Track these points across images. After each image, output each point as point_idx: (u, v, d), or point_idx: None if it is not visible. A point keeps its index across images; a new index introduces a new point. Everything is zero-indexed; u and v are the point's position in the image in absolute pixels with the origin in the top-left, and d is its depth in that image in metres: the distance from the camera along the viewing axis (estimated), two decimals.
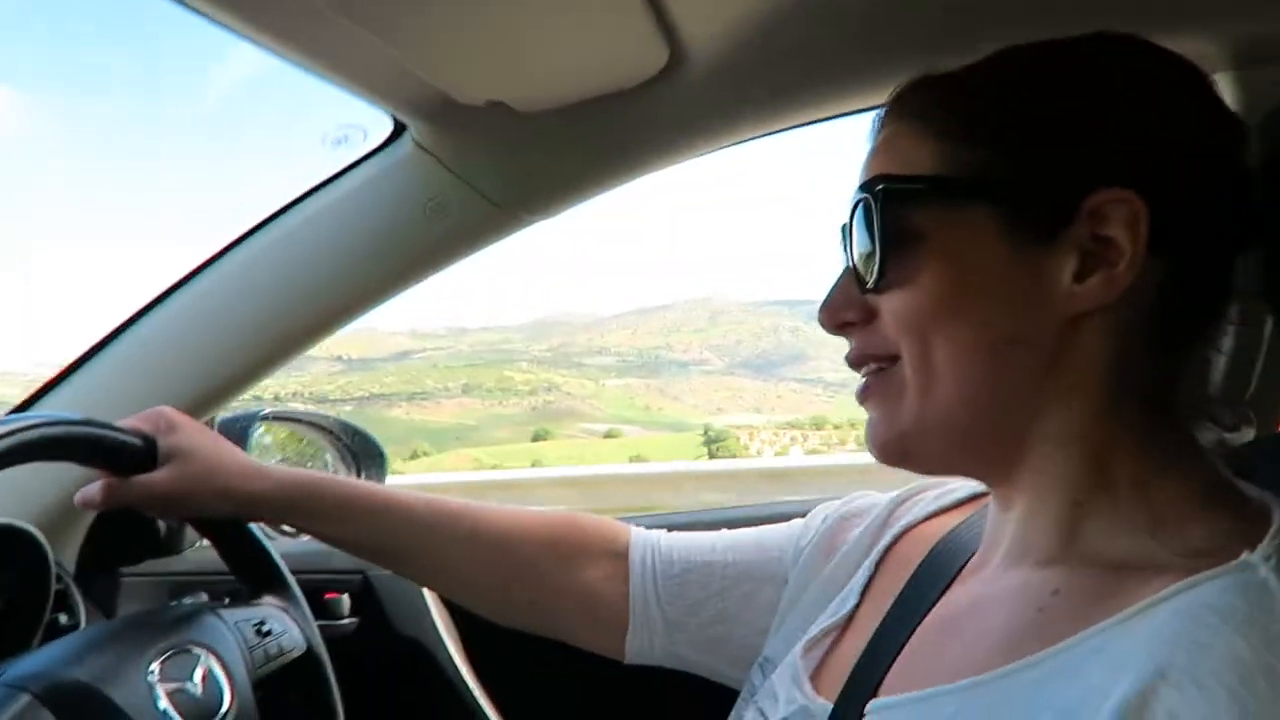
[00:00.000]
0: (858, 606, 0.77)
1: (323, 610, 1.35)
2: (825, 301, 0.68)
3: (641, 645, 0.91)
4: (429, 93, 1.00)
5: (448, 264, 1.20)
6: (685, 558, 0.91)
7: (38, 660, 0.78)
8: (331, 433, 1.48)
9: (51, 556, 1.12)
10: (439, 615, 1.38)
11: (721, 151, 1.16)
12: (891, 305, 0.63)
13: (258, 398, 1.33)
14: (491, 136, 1.09)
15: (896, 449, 0.66)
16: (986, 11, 0.91)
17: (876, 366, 0.66)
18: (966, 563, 0.72)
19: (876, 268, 0.63)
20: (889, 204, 0.62)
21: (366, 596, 1.38)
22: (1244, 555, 0.52)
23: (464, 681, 1.36)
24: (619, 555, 0.94)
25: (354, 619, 1.38)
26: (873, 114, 0.70)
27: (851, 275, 0.66)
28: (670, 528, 0.97)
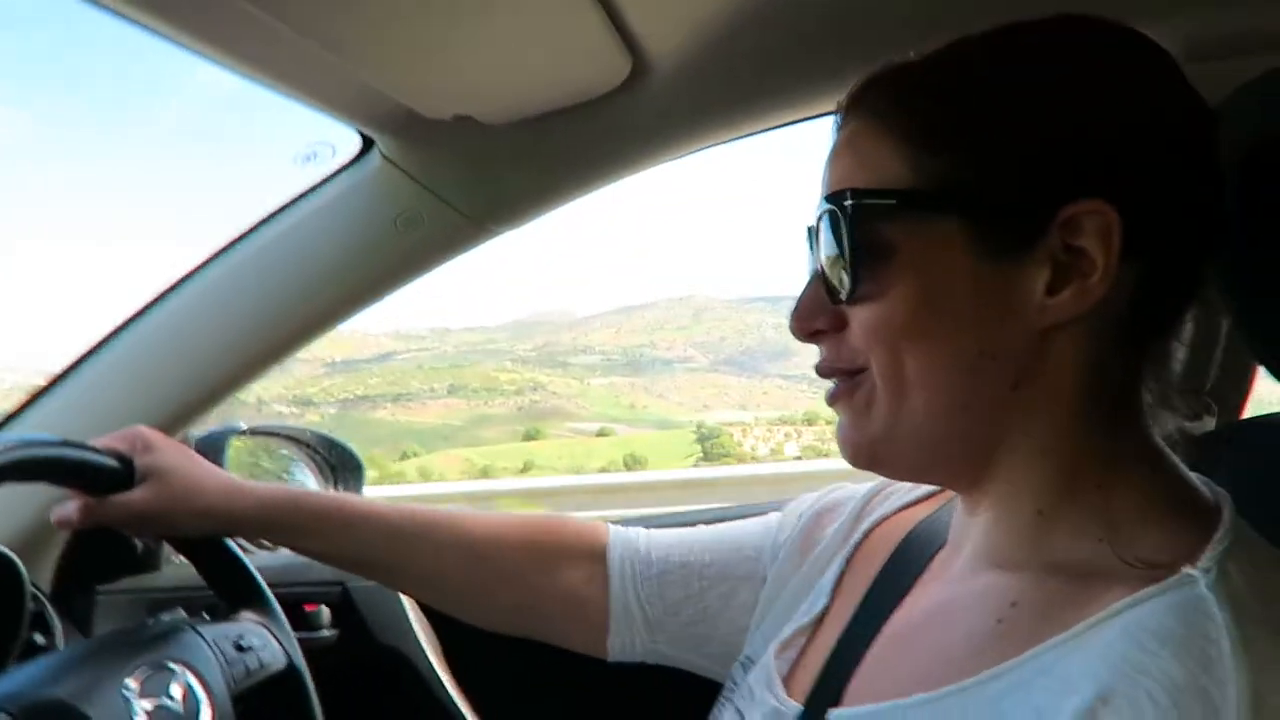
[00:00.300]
0: (829, 605, 0.77)
1: (302, 622, 1.34)
2: (795, 309, 0.67)
3: (624, 644, 0.92)
4: (395, 108, 1.01)
5: (419, 275, 1.20)
6: (664, 558, 0.92)
7: (14, 680, 0.78)
8: (309, 446, 1.48)
9: (27, 577, 1.12)
10: (419, 624, 1.38)
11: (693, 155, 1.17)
12: (862, 318, 0.63)
13: (242, 401, 1.32)
14: (459, 149, 1.10)
15: (866, 455, 0.66)
16: (941, 8, 0.92)
17: (844, 375, 0.66)
18: (933, 557, 0.73)
19: (848, 280, 0.62)
20: (859, 217, 0.61)
21: (346, 607, 1.38)
22: (1185, 570, 0.53)
23: (446, 690, 1.36)
24: (598, 557, 0.94)
25: (334, 630, 1.37)
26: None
27: (820, 282, 0.65)
28: (649, 526, 0.98)
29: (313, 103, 1.00)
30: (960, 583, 0.67)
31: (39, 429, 1.17)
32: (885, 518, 0.82)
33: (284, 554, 1.40)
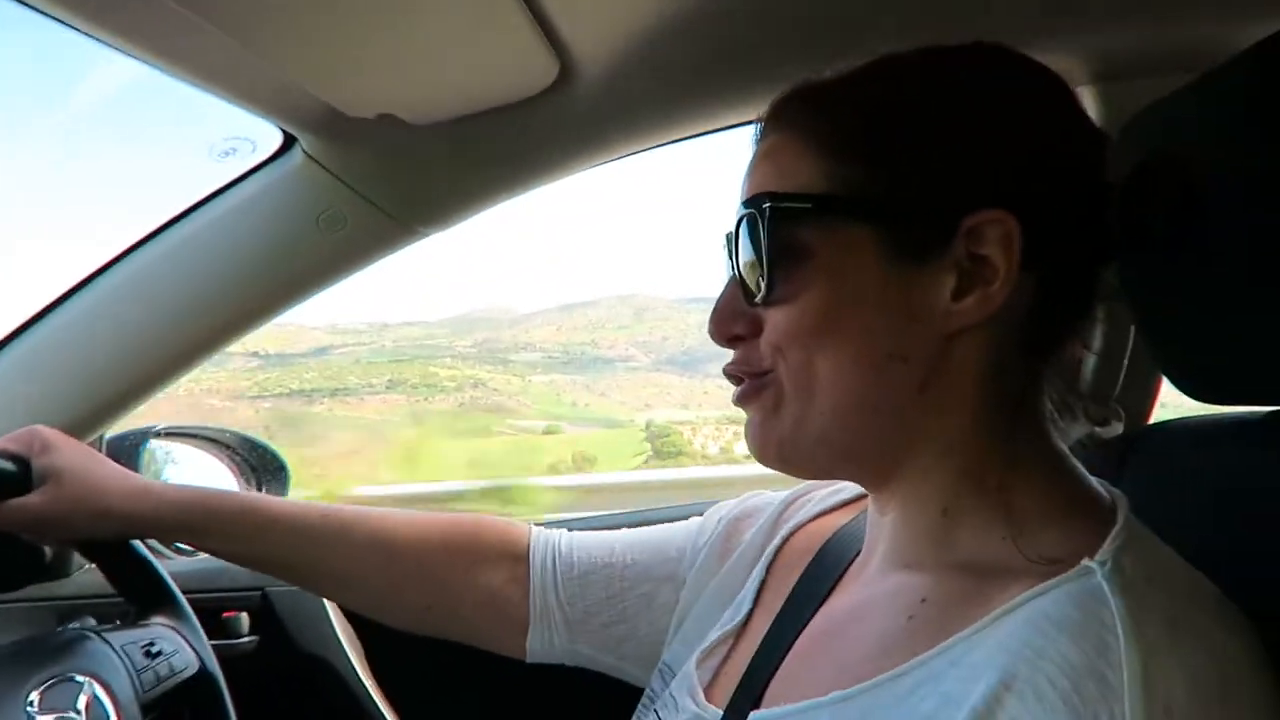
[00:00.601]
0: (751, 613, 0.78)
1: (221, 629, 1.31)
2: (714, 313, 0.69)
3: (542, 644, 0.92)
4: (317, 106, 0.99)
5: (343, 276, 1.18)
6: (586, 559, 0.92)
7: None
8: (230, 447, 1.45)
9: None
10: (342, 630, 1.36)
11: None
12: (776, 319, 0.64)
13: (171, 394, 1.28)
14: (384, 148, 1.08)
15: (775, 455, 0.67)
16: (862, 26, 0.94)
17: (751, 377, 0.68)
18: (852, 562, 0.74)
19: (764, 282, 0.64)
20: (775, 221, 0.63)
21: (266, 614, 1.35)
22: (1084, 561, 0.55)
23: (369, 696, 1.34)
24: (518, 557, 0.94)
25: (254, 637, 1.34)
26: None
27: (737, 285, 0.67)
28: (571, 528, 0.98)
29: (232, 98, 0.98)
30: (874, 584, 0.69)
31: None
32: (803, 524, 0.84)
33: (201, 560, 1.37)
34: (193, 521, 0.94)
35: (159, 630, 0.98)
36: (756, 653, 0.73)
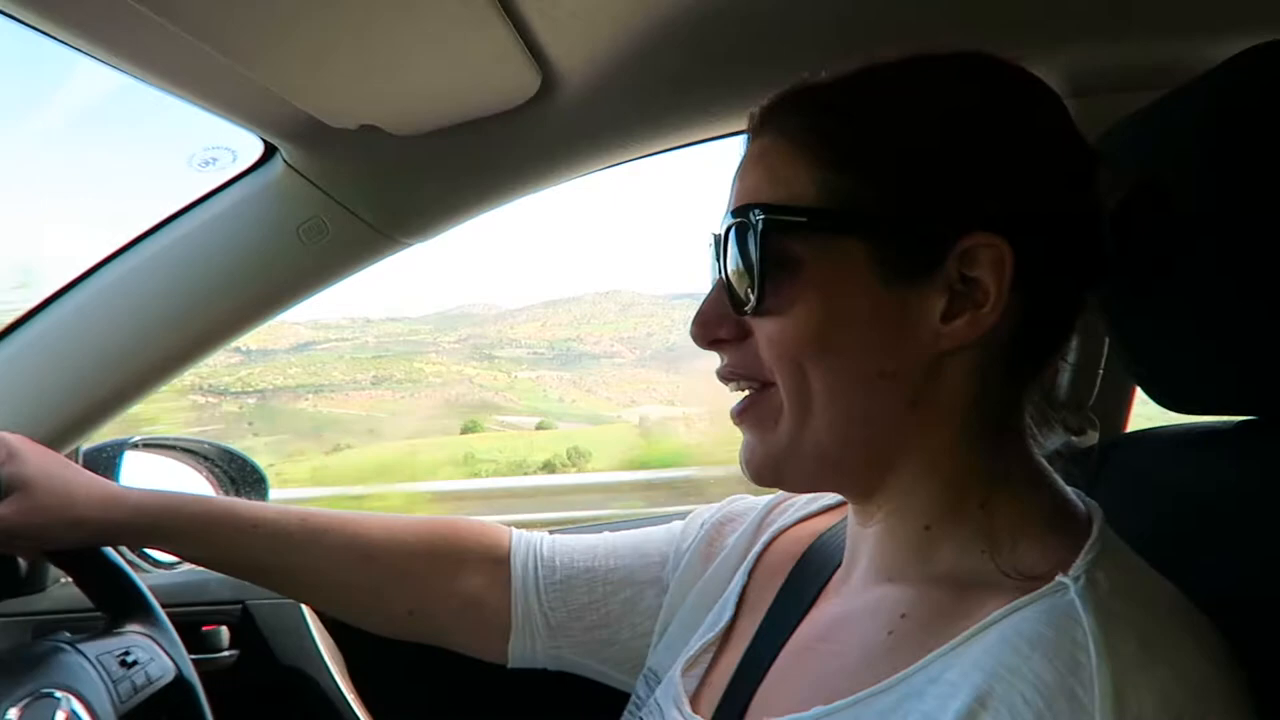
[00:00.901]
0: (734, 619, 0.79)
1: (201, 643, 1.30)
2: (698, 316, 0.68)
3: (524, 649, 0.92)
4: (298, 116, 0.99)
5: (324, 287, 1.18)
6: (568, 563, 0.92)
7: None
8: (208, 459, 1.44)
9: None
10: (323, 643, 1.35)
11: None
12: (766, 331, 0.64)
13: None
14: (365, 159, 1.08)
15: (770, 473, 0.67)
16: (841, 42, 0.95)
17: (753, 388, 0.67)
18: (834, 571, 0.75)
19: (754, 292, 0.63)
20: (768, 231, 0.62)
21: (246, 627, 1.34)
22: (1058, 578, 0.56)
23: (351, 709, 1.33)
24: (499, 561, 0.94)
25: (234, 651, 1.33)
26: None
27: (724, 291, 0.66)
28: (552, 532, 0.98)
29: (213, 109, 0.97)
30: (855, 597, 0.69)
31: None
32: (785, 529, 0.84)
33: (181, 573, 1.36)
34: (166, 526, 0.93)
35: (134, 639, 0.97)
36: (741, 662, 0.73)
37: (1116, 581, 0.56)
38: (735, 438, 0.70)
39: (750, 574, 0.82)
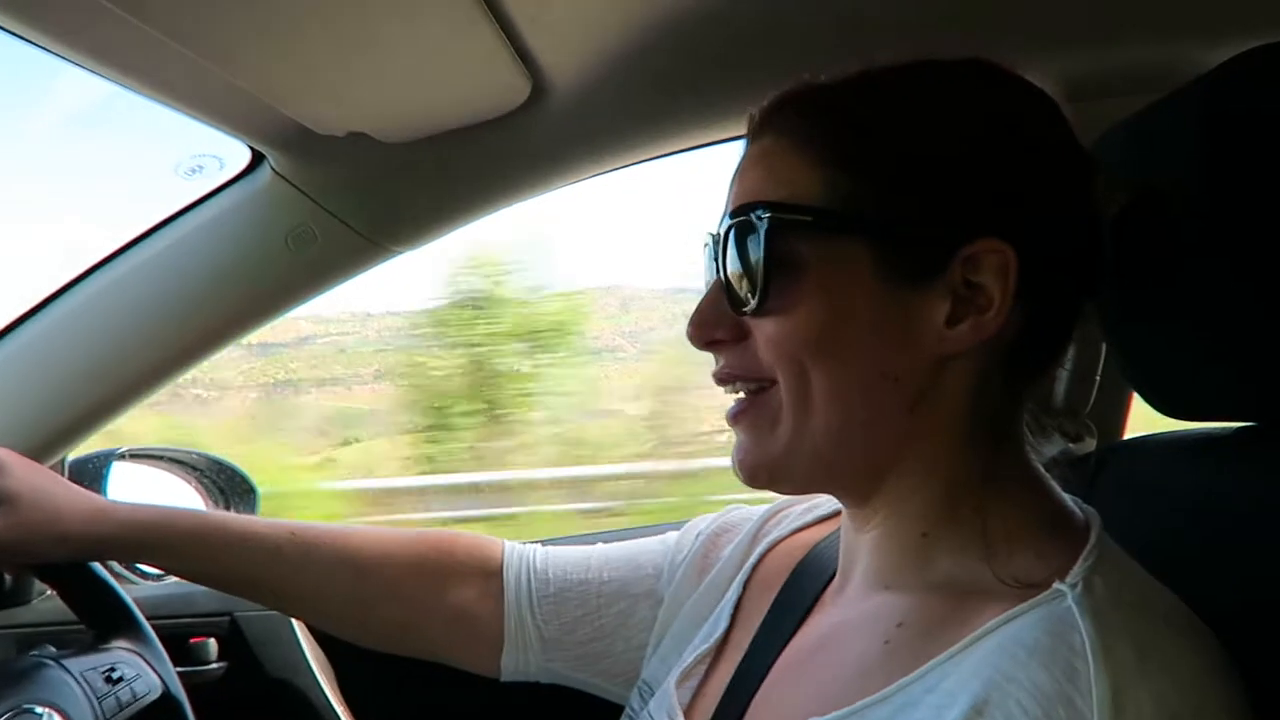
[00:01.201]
0: (729, 631, 0.78)
1: (189, 656, 1.29)
2: (695, 316, 0.68)
3: (517, 662, 0.91)
4: (286, 123, 0.98)
5: (313, 295, 1.17)
6: (561, 575, 0.91)
7: None
8: (197, 469, 1.42)
9: None
10: (312, 655, 1.33)
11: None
12: (767, 332, 0.63)
13: None
14: (354, 166, 1.07)
15: (765, 475, 0.67)
16: (834, 49, 0.94)
17: (750, 390, 0.67)
18: (829, 582, 0.74)
19: (756, 293, 0.62)
20: (771, 231, 0.61)
21: (235, 639, 1.32)
22: (1055, 585, 0.55)
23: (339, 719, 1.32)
24: (492, 574, 0.93)
25: (222, 663, 1.32)
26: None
27: (721, 290, 0.65)
28: (544, 544, 0.97)
29: (200, 116, 0.96)
30: (851, 605, 0.68)
31: None
32: (781, 539, 0.84)
33: (168, 585, 1.35)
34: (154, 540, 0.92)
35: (120, 654, 0.96)
36: (735, 674, 0.72)
37: (1114, 588, 0.56)
38: None
39: (745, 585, 0.81)
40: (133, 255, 1.12)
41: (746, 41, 0.97)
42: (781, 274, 0.62)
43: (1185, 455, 0.77)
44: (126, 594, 1.01)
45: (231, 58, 0.83)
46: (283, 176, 1.09)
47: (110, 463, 1.28)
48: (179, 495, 1.40)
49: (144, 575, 1.37)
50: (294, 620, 1.33)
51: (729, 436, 0.70)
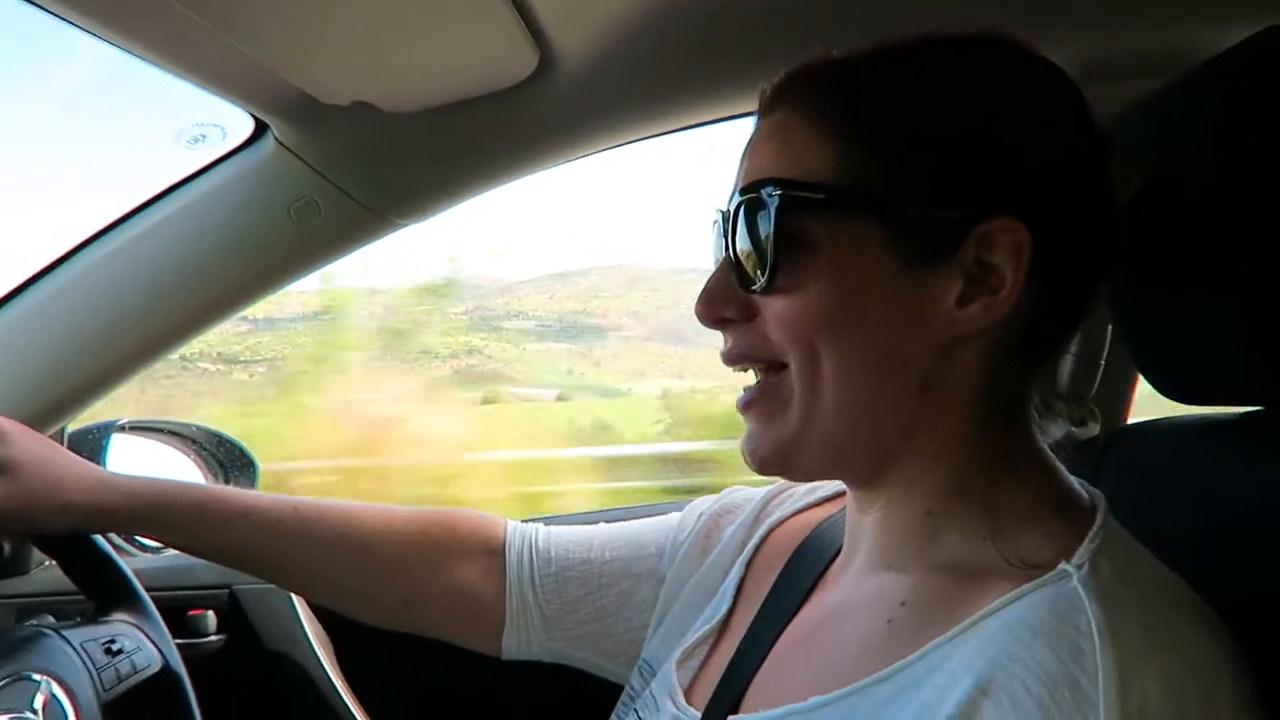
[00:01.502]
0: (731, 611, 0.78)
1: (187, 628, 1.29)
2: (704, 295, 0.67)
3: (519, 642, 0.91)
4: (291, 92, 0.97)
5: (316, 267, 1.16)
6: (563, 555, 0.91)
7: None
8: (196, 442, 1.42)
9: None
10: (310, 628, 1.34)
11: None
12: (776, 311, 0.62)
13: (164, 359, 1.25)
14: (359, 137, 1.06)
15: (776, 462, 0.66)
16: (845, 21, 0.93)
17: (761, 374, 0.66)
18: (831, 562, 0.74)
19: (766, 271, 0.61)
20: (782, 208, 0.60)
21: (234, 612, 1.33)
22: (1061, 565, 0.55)
23: (338, 694, 1.33)
24: (494, 552, 0.93)
25: (221, 636, 1.32)
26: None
27: (730, 268, 0.65)
28: (548, 523, 0.96)
29: (203, 83, 0.95)
30: (854, 585, 0.68)
31: None
32: (783, 520, 0.83)
33: (167, 557, 1.35)
34: (156, 513, 0.91)
35: (120, 627, 0.96)
36: (736, 654, 0.72)
37: (1120, 569, 0.55)
38: None
39: (748, 567, 0.81)
40: (134, 224, 1.11)
41: (758, 16, 0.96)
42: (791, 252, 0.61)
43: (1191, 440, 0.77)
44: (127, 566, 1.01)
45: (236, 23, 0.82)
46: (286, 147, 1.07)
47: (110, 434, 1.28)
48: (178, 468, 1.40)
49: (143, 547, 1.37)
50: (293, 594, 1.33)
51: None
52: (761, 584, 0.77)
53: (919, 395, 0.62)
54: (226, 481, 1.43)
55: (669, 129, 1.14)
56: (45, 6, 0.78)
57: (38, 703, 0.81)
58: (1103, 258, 0.63)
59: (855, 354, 0.61)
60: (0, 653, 0.83)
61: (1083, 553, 0.56)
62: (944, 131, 0.59)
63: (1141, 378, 0.78)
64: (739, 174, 0.66)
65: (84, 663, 0.88)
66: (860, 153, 0.60)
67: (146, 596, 1.00)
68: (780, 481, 0.88)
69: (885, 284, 0.60)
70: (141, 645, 0.96)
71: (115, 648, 0.92)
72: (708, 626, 0.77)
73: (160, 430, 1.40)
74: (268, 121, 1.06)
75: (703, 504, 0.91)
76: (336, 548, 0.93)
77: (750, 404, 0.67)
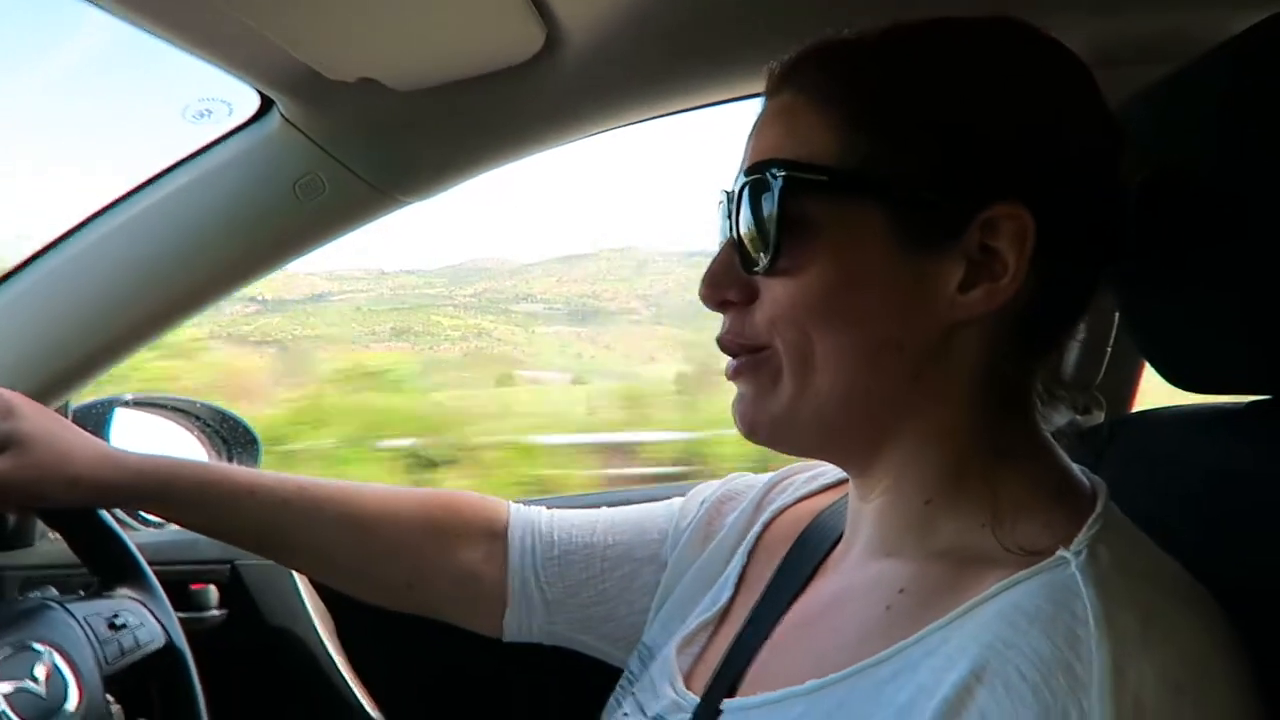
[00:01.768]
0: (732, 599, 0.78)
1: (189, 602, 1.30)
2: (707, 276, 0.66)
3: (520, 624, 0.91)
4: (297, 68, 0.96)
5: (319, 245, 1.16)
6: (566, 539, 0.91)
7: None
8: (200, 419, 1.43)
9: None
10: (312, 604, 1.34)
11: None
12: (775, 292, 0.62)
13: (170, 342, 1.26)
14: (364, 114, 1.06)
15: (765, 432, 0.66)
16: (855, 2, 0.92)
17: (747, 352, 0.66)
18: (832, 549, 0.74)
19: (767, 252, 0.61)
20: (786, 189, 0.60)
21: (235, 587, 1.33)
22: (1059, 552, 0.55)
23: (339, 672, 1.33)
24: (497, 535, 0.93)
25: (222, 610, 1.33)
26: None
27: (734, 249, 0.64)
28: (551, 506, 0.97)
29: (209, 58, 0.95)
30: (855, 572, 0.68)
31: None
32: (785, 508, 0.83)
33: (170, 532, 1.36)
34: (162, 490, 0.92)
35: (124, 603, 0.96)
36: (735, 640, 0.72)
37: (1119, 557, 0.55)
38: None
39: (750, 554, 0.81)
40: (139, 199, 1.11)
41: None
42: (794, 234, 0.60)
43: (1197, 429, 0.76)
44: (131, 541, 1.01)
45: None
46: (292, 123, 1.07)
47: (114, 409, 1.28)
48: (181, 444, 1.41)
49: (145, 522, 1.38)
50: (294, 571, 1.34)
51: None
52: (763, 571, 0.77)
53: (913, 381, 0.61)
54: (229, 458, 1.44)
55: (677, 109, 1.13)
56: None
57: (40, 673, 0.81)
58: (1108, 246, 0.63)
59: (850, 339, 0.61)
60: (3, 623, 0.84)
61: (1081, 540, 0.55)
62: (949, 116, 0.59)
63: (1148, 365, 0.78)
64: (745, 154, 0.66)
65: (87, 636, 0.88)
66: (865, 136, 0.59)
67: (151, 573, 1.01)
68: (781, 469, 0.88)
69: (887, 268, 0.60)
70: (145, 621, 0.96)
71: (119, 622, 0.92)
72: (709, 613, 0.77)
73: (164, 406, 1.40)
74: (273, 97, 1.05)
75: (705, 490, 0.91)
76: (340, 528, 0.93)
77: (738, 370, 0.67)
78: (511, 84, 1.01)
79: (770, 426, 0.65)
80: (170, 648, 0.98)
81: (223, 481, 0.93)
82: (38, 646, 0.83)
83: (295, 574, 1.34)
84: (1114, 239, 0.62)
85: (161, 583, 1.02)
